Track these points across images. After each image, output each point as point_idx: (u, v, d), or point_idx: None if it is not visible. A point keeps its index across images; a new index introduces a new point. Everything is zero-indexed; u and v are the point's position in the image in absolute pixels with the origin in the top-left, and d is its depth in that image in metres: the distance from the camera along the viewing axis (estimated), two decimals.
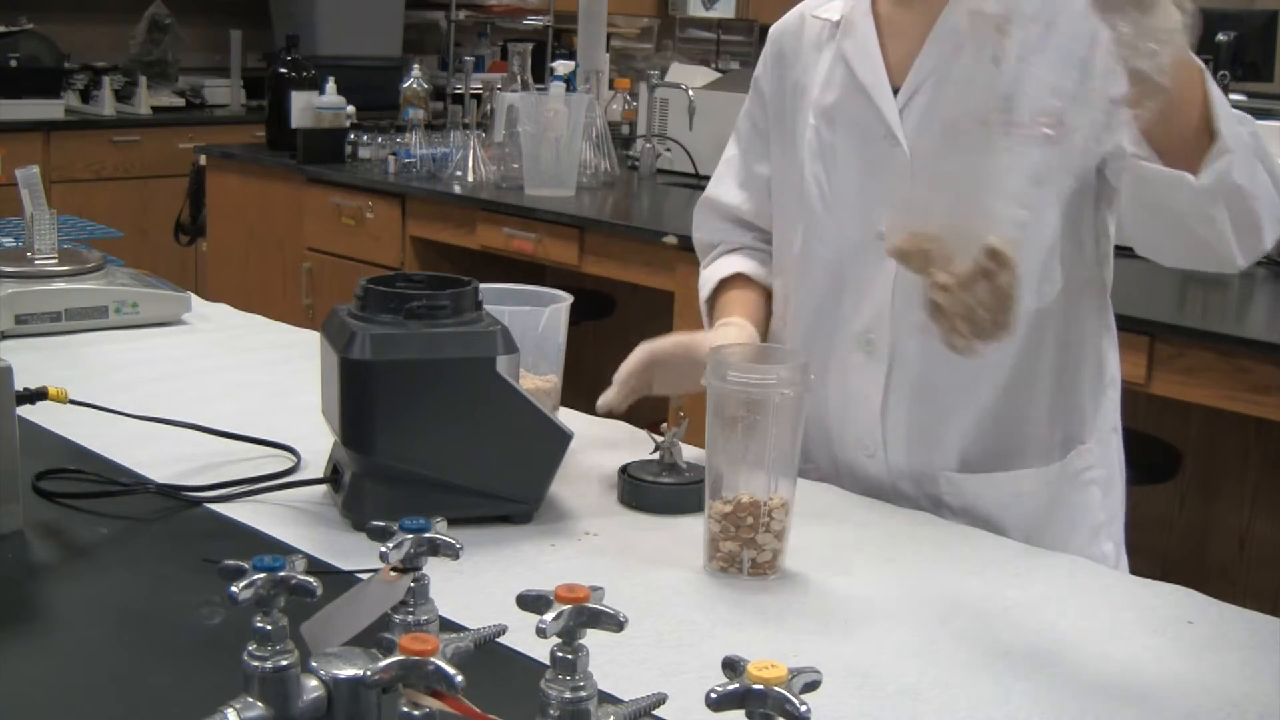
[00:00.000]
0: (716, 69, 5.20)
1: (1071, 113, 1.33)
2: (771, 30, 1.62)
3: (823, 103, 1.50)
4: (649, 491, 1.37)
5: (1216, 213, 1.25)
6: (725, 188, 1.68)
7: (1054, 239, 1.41)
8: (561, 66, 3.68)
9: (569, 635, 0.79)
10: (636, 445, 1.59)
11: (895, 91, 1.44)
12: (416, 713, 0.77)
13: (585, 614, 0.79)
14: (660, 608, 1.13)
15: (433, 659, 0.75)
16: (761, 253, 1.66)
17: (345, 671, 0.84)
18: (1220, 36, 5.48)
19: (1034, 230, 1.37)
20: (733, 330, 1.55)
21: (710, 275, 1.69)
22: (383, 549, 0.88)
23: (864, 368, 1.48)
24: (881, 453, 1.48)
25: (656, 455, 1.41)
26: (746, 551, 1.20)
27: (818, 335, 1.52)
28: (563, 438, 1.30)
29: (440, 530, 0.91)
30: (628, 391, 1.48)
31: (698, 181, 3.96)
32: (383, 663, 0.76)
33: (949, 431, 1.46)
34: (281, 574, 0.82)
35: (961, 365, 1.38)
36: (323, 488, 1.34)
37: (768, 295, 1.63)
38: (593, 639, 0.79)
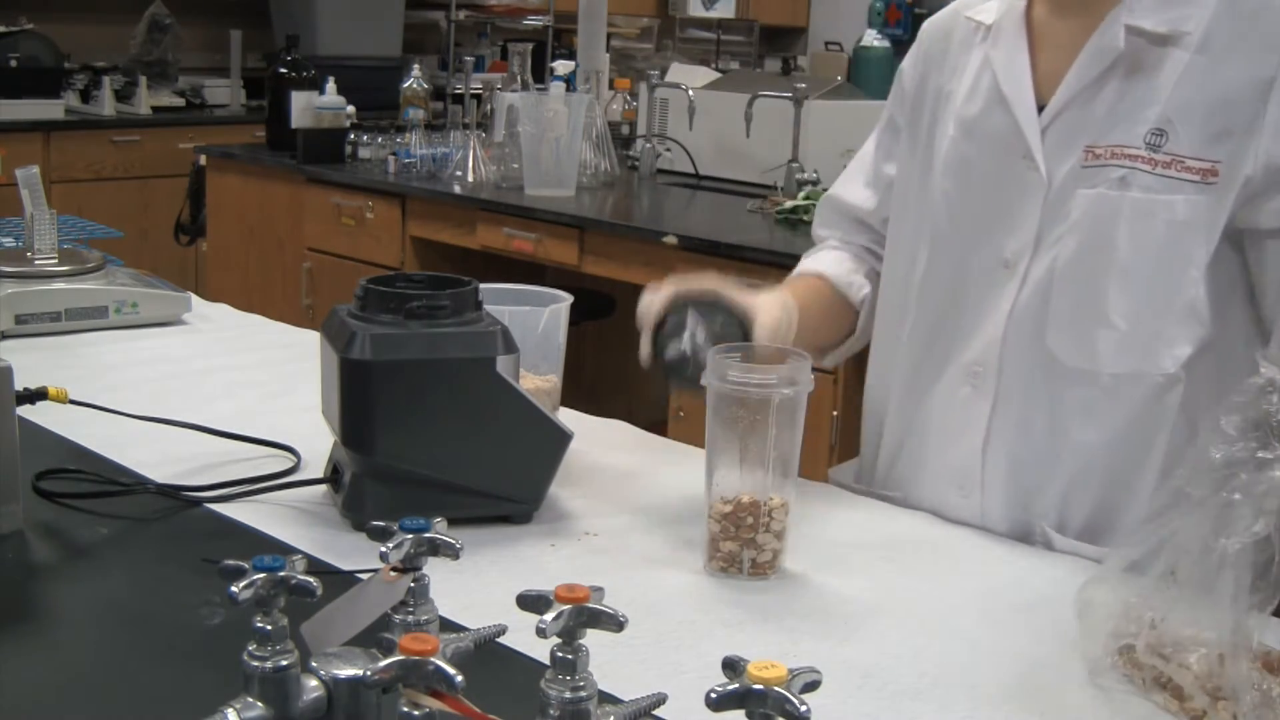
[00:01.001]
0: (716, 69, 5.20)
1: (1228, 162, 1.25)
2: (923, 27, 1.52)
3: (964, 113, 1.41)
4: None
5: None
6: (850, 185, 1.60)
7: (1194, 294, 1.28)
8: (561, 66, 3.68)
9: (569, 635, 0.79)
10: (637, 445, 1.59)
11: (1041, 109, 1.34)
12: (416, 713, 0.77)
13: (585, 614, 0.79)
14: (660, 608, 1.13)
15: (433, 659, 0.75)
16: (870, 254, 1.59)
17: (345, 671, 0.84)
18: None
19: (1174, 277, 1.27)
20: (773, 299, 1.38)
21: (800, 266, 1.61)
22: (383, 549, 0.88)
23: (970, 401, 1.38)
24: (978, 494, 1.39)
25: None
26: (746, 551, 1.20)
27: (928, 361, 1.44)
28: (563, 438, 1.30)
29: (440, 530, 0.90)
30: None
31: (698, 181, 3.96)
32: (383, 663, 0.76)
33: (1051, 484, 1.35)
34: (281, 574, 0.82)
35: (1069, 412, 1.32)
36: (323, 488, 1.34)
37: (840, 302, 1.56)
38: (593, 639, 0.79)
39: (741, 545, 1.20)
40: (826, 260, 1.58)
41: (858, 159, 1.60)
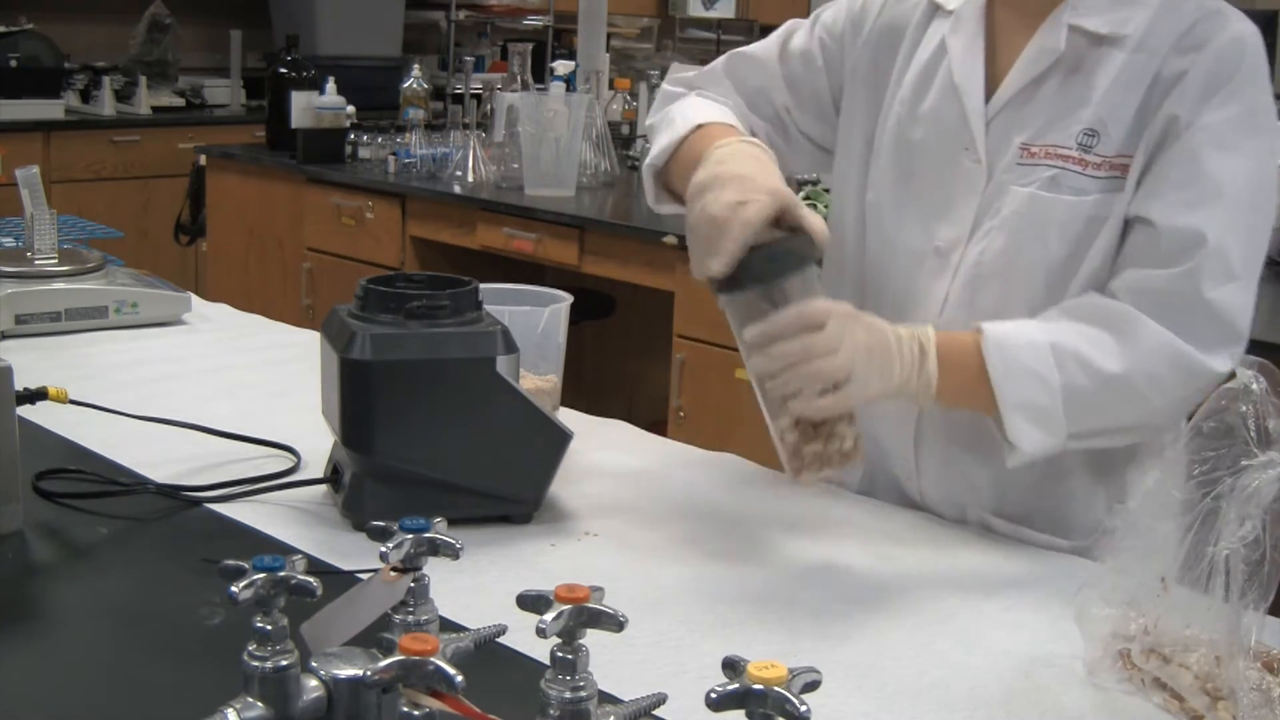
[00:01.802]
0: None
1: (1136, 156, 1.28)
2: None
3: (914, 97, 1.40)
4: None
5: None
6: (767, 51, 1.51)
7: (1106, 282, 1.31)
8: (561, 66, 3.68)
9: (569, 635, 0.79)
10: (637, 445, 1.59)
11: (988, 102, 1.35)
12: (416, 713, 0.77)
13: (585, 614, 0.79)
14: (660, 608, 1.13)
15: (433, 659, 0.75)
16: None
17: (345, 671, 0.84)
18: None
19: (1094, 270, 1.31)
20: (742, 148, 1.29)
21: (685, 112, 1.44)
22: (383, 549, 0.88)
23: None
24: (915, 479, 1.43)
25: None
26: (831, 445, 1.18)
27: None
28: (563, 438, 1.30)
29: (440, 530, 0.91)
30: None
31: None
32: (383, 663, 0.76)
33: (984, 470, 1.38)
34: (281, 574, 0.82)
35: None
36: (323, 488, 1.34)
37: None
38: (593, 639, 0.79)
39: (825, 441, 1.19)
40: (728, 114, 1.46)
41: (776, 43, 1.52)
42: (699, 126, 1.40)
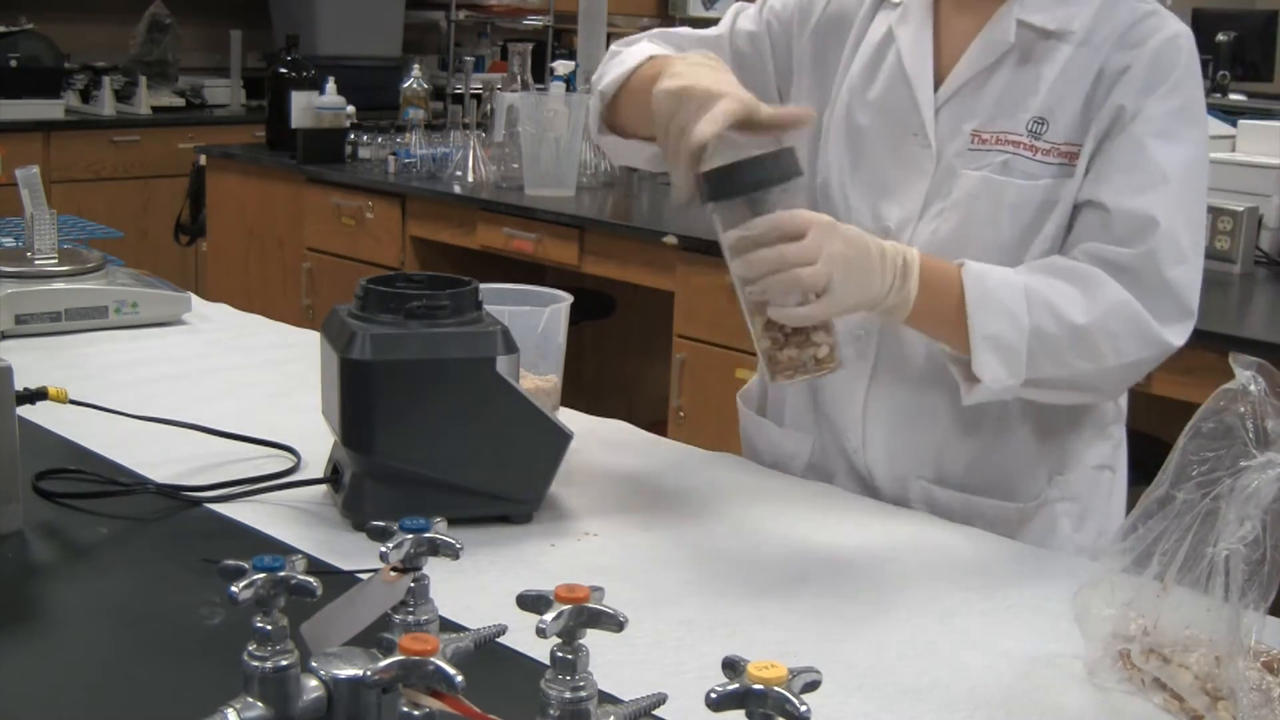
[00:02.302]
0: None
1: (1085, 145, 1.35)
2: None
3: (862, 84, 1.44)
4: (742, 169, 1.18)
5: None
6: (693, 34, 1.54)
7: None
8: (561, 66, 3.68)
9: (569, 635, 0.79)
10: (637, 445, 1.59)
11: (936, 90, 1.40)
12: (416, 713, 0.77)
13: (585, 614, 0.79)
14: (660, 608, 1.13)
15: (433, 659, 0.75)
16: None
17: (345, 671, 0.84)
18: (1220, 36, 5.49)
19: (1039, 250, 1.37)
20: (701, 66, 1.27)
21: (636, 51, 1.45)
22: (383, 549, 0.88)
23: (852, 363, 1.44)
24: (862, 450, 1.48)
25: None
26: (806, 352, 1.21)
27: None
28: (563, 438, 1.30)
29: (440, 530, 0.91)
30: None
31: None
32: (383, 663, 0.76)
33: (926, 442, 1.45)
34: (281, 574, 0.82)
35: (940, 379, 1.40)
36: (323, 488, 1.34)
37: None
38: (593, 639, 0.79)
39: (799, 348, 1.21)
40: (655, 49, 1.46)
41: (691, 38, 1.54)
42: (650, 58, 1.41)
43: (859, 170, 1.44)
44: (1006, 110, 1.37)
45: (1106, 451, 1.50)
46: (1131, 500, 1.57)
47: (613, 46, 1.55)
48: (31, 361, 1.64)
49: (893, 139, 1.42)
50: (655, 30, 1.58)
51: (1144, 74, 1.33)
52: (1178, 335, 1.32)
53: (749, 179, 1.18)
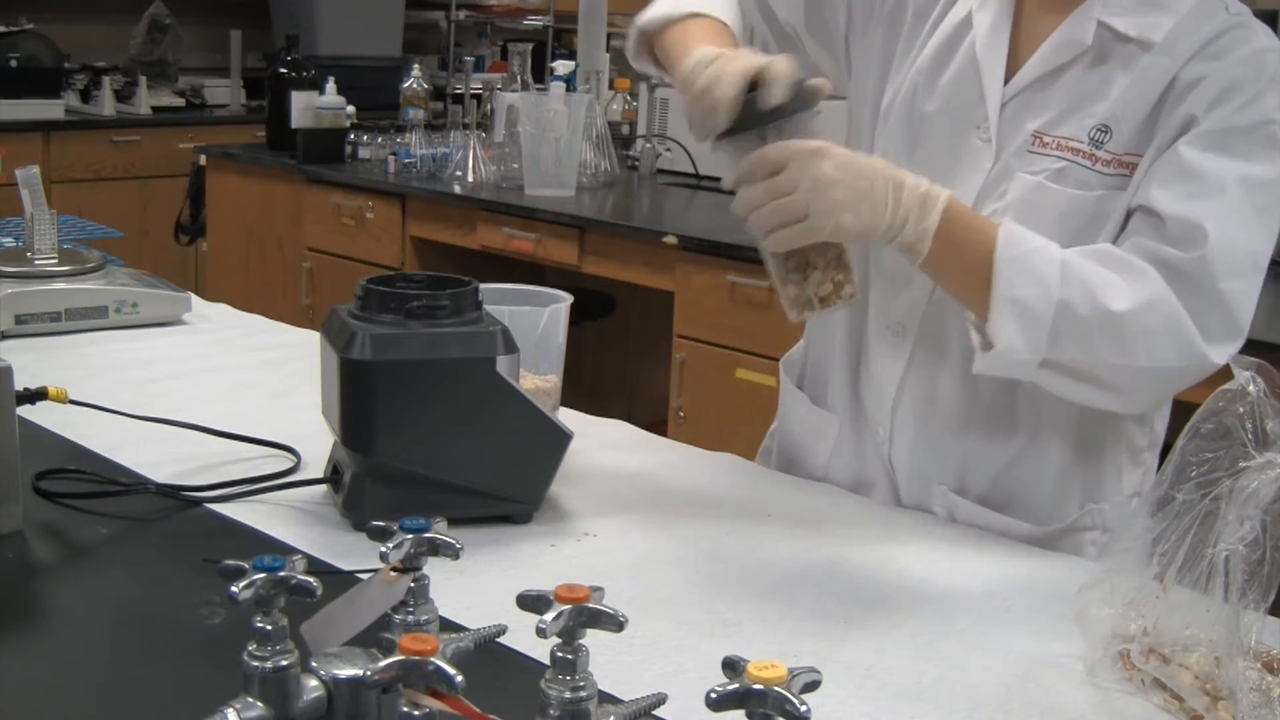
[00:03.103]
0: None
1: (1146, 155, 1.30)
2: None
3: (932, 66, 1.39)
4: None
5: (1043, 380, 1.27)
6: None
7: None
8: (561, 66, 3.68)
9: (569, 635, 0.79)
10: (637, 445, 1.59)
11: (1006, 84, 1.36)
12: (416, 713, 0.77)
13: (585, 614, 0.79)
14: (660, 608, 1.13)
15: (433, 659, 0.75)
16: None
17: (345, 671, 0.84)
18: None
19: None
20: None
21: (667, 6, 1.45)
22: (383, 549, 0.88)
23: (890, 354, 1.42)
24: (888, 445, 1.45)
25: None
26: (808, 289, 1.22)
27: (860, 308, 1.45)
28: (563, 438, 1.30)
29: (440, 530, 0.90)
30: None
31: (698, 181, 3.96)
32: (383, 663, 0.76)
33: (952, 448, 1.41)
34: (281, 574, 0.82)
35: (975, 383, 1.36)
36: (323, 488, 1.34)
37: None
38: (593, 639, 0.79)
39: (799, 285, 1.23)
40: (728, 10, 1.46)
41: None
42: (694, 15, 1.41)
43: (915, 156, 1.39)
44: (1072, 113, 1.32)
45: (1138, 479, 1.44)
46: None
47: None
48: (31, 361, 1.64)
49: (955, 129, 1.37)
50: None
51: (1218, 86, 1.27)
52: (1221, 354, 1.23)
53: (761, 115, 1.19)
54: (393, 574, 0.89)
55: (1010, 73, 1.35)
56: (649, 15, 1.46)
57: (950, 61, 1.38)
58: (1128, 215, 1.31)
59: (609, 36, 4.30)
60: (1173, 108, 1.28)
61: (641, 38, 1.48)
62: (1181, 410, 1.17)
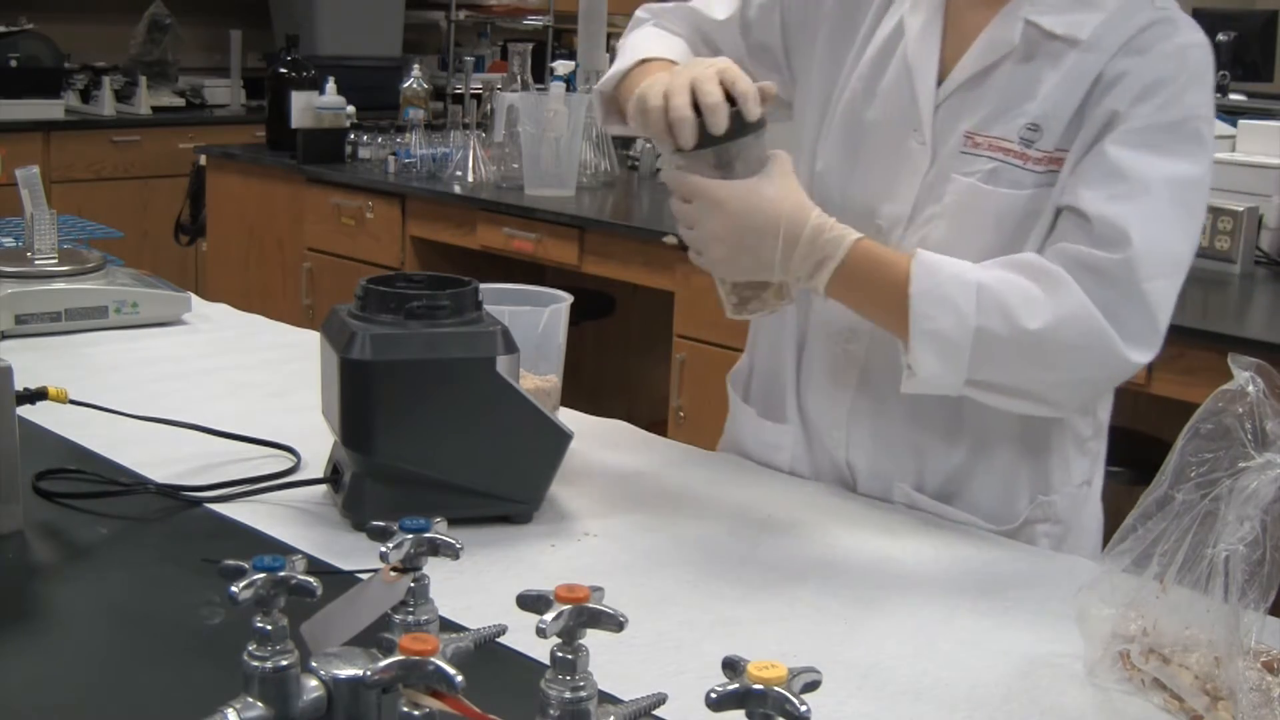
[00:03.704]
0: None
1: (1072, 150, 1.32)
2: None
3: (869, 74, 1.41)
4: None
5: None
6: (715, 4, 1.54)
7: None
8: (561, 66, 3.68)
9: (569, 635, 0.79)
10: (637, 445, 1.59)
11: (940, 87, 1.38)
12: (416, 713, 0.77)
13: (585, 614, 0.79)
14: (660, 608, 1.13)
15: (433, 659, 0.75)
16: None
17: (345, 671, 0.84)
18: (1220, 36, 5.48)
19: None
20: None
21: (636, 44, 1.51)
22: (383, 549, 0.88)
23: (842, 362, 1.44)
24: (844, 450, 1.46)
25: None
26: (731, 294, 1.31)
27: (803, 320, 1.48)
28: (563, 438, 1.30)
29: (440, 530, 0.91)
30: None
31: None
32: (383, 663, 0.76)
33: (910, 449, 1.43)
34: (281, 574, 0.82)
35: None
36: (323, 488, 1.34)
37: None
38: (593, 639, 0.79)
39: (725, 288, 1.33)
40: (675, 48, 1.50)
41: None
42: (643, 61, 1.47)
43: (857, 163, 1.42)
44: (1003, 113, 1.34)
45: (1086, 467, 1.46)
46: (1127, 504, 1.57)
47: (635, 14, 1.59)
48: (31, 361, 1.64)
49: (893, 134, 1.39)
50: (671, 5, 1.57)
51: (1142, 82, 1.28)
52: (1142, 354, 1.26)
53: (709, 134, 1.24)
54: (393, 574, 0.89)
55: (944, 75, 1.38)
56: (604, 78, 1.52)
57: (886, 68, 1.41)
58: (1056, 213, 1.32)
59: (609, 36, 4.30)
60: (1096, 103, 1.30)
61: (604, 101, 1.52)
62: (1181, 410, 1.17)
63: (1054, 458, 1.43)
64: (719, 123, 1.22)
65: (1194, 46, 1.30)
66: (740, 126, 1.24)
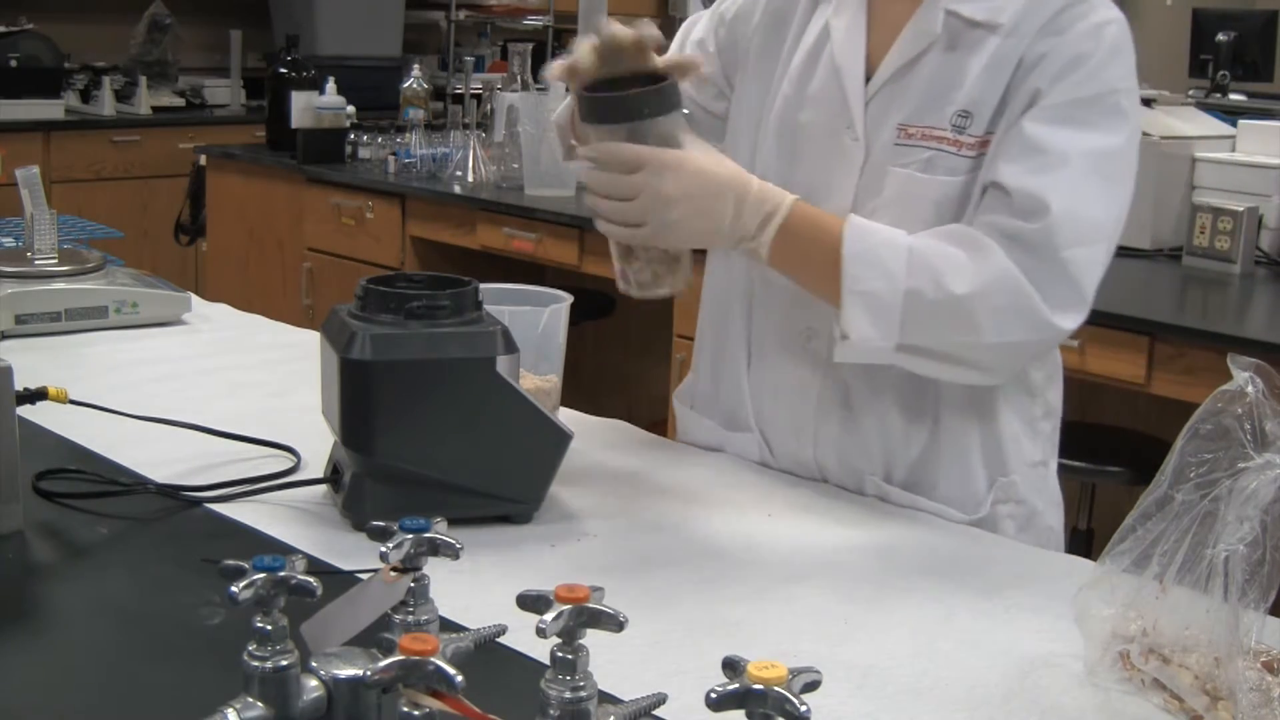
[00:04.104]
0: None
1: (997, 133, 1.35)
2: None
3: (799, 79, 1.44)
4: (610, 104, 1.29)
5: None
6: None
7: None
8: None
9: (569, 635, 0.79)
10: (637, 445, 1.59)
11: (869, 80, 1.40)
12: (416, 713, 0.77)
13: (585, 614, 0.79)
14: (660, 608, 1.13)
15: (433, 659, 0.75)
16: None
17: (345, 671, 0.84)
18: (1220, 36, 5.49)
19: None
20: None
21: None
22: (383, 549, 0.88)
23: (804, 361, 1.45)
24: (813, 448, 1.47)
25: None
26: (631, 268, 1.34)
27: (768, 307, 1.49)
28: (563, 438, 1.30)
29: (440, 530, 0.91)
30: None
31: None
32: (383, 663, 0.76)
33: (875, 436, 1.43)
34: (281, 574, 0.82)
35: (889, 375, 1.40)
36: (323, 488, 1.34)
37: None
38: (593, 639, 0.79)
39: (625, 261, 1.35)
40: None
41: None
42: None
43: (795, 168, 1.43)
44: (932, 103, 1.36)
45: (1041, 448, 1.48)
46: (1127, 504, 1.58)
47: None
48: (31, 361, 1.64)
49: (827, 134, 1.41)
50: None
51: (1061, 60, 1.31)
52: (1068, 320, 1.29)
53: (633, 109, 1.27)
54: (393, 574, 0.89)
55: (872, 70, 1.40)
56: (557, 111, 1.54)
57: (815, 70, 1.43)
58: (983, 190, 1.34)
59: None
60: (1020, 84, 1.33)
61: (561, 134, 1.54)
62: (1181, 410, 1.17)
63: (1006, 436, 1.44)
64: (620, 40, 1.26)
65: (1110, 23, 1.34)
66: (659, 104, 1.26)
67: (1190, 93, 4.80)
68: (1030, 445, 1.47)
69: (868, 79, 1.40)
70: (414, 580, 0.89)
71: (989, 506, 1.43)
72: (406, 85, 4.10)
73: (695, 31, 1.58)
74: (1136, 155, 1.35)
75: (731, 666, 0.74)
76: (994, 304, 1.27)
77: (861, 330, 1.29)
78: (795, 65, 1.45)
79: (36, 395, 1.40)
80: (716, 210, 1.29)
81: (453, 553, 0.90)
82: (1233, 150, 3.15)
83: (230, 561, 0.83)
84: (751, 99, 1.49)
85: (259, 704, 0.82)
